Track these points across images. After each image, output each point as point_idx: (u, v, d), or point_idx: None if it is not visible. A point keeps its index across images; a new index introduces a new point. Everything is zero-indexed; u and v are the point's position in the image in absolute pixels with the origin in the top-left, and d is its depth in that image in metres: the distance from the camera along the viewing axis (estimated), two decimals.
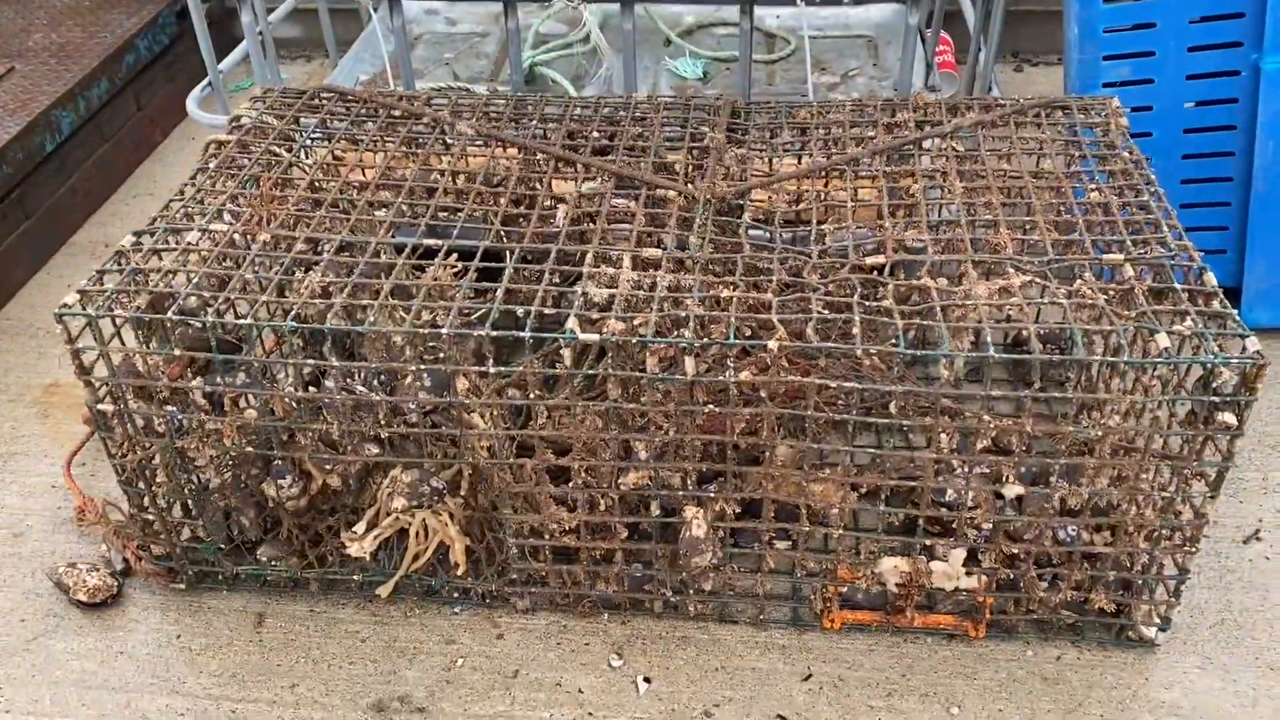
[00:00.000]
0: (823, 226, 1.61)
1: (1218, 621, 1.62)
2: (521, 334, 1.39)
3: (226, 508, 1.66)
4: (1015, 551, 1.49)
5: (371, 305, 1.44)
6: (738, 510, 1.52)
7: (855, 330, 1.37)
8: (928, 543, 1.50)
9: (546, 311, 1.43)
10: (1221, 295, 1.38)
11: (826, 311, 1.41)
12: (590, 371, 1.42)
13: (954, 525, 1.48)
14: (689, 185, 1.66)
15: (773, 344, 1.36)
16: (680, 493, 1.51)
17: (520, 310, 1.42)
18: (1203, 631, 1.60)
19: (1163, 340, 1.31)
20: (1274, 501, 1.80)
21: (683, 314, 1.41)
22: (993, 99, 1.85)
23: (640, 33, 3.05)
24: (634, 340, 1.38)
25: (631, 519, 1.55)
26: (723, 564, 1.57)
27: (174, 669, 1.61)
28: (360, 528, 1.62)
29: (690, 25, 3.06)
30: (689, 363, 1.38)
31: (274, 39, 3.50)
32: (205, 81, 2.35)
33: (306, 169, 1.78)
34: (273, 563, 1.69)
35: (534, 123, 1.85)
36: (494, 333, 1.40)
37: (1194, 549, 1.46)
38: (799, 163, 1.77)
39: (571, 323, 1.40)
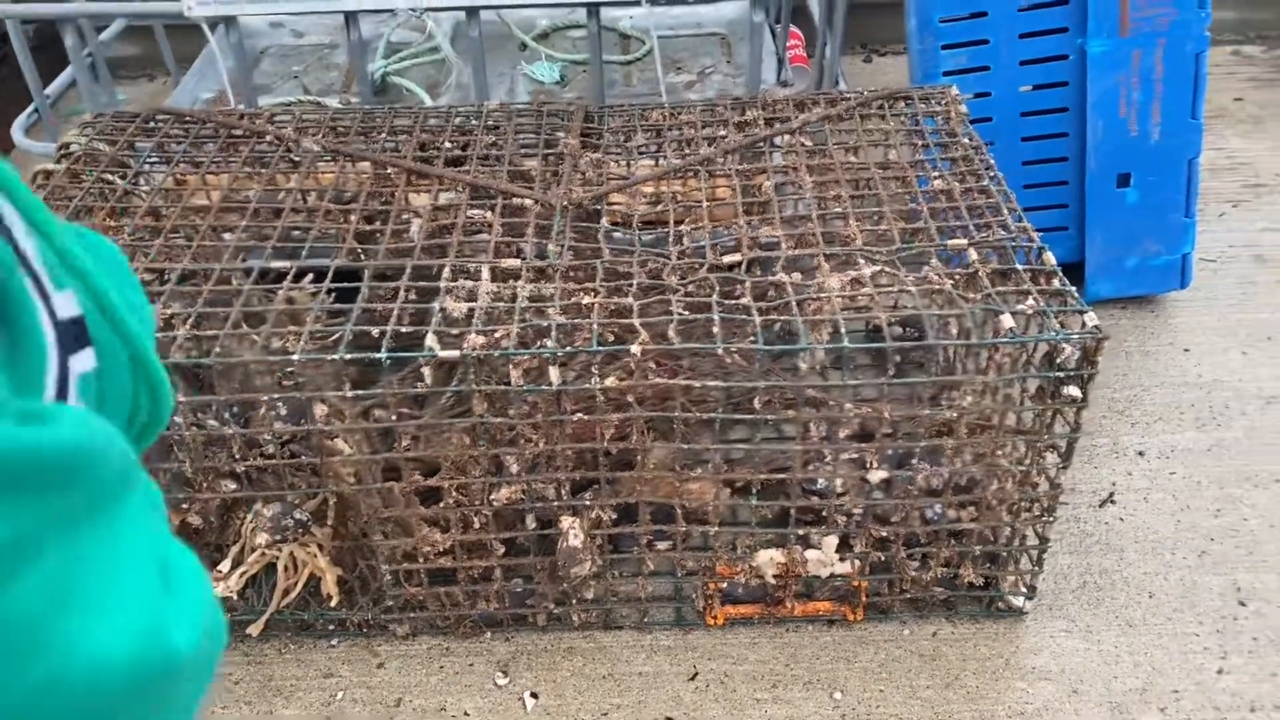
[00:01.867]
0: (680, 228, 1.61)
1: (1080, 585, 1.69)
2: (378, 355, 1.36)
3: None
4: (884, 534, 1.52)
5: (219, 335, 1.38)
6: (614, 516, 1.52)
7: (716, 329, 1.37)
8: (800, 532, 1.52)
9: (404, 330, 1.40)
10: (1060, 273, 1.44)
11: (687, 312, 1.41)
12: (454, 389, 1.39)
13: (824, 513, 1.50)
14: (545, 193, 1.65)
15: (636, 348, 1.36)
16: (555, 504, 1.50)
17: (376, 331, 1.38)
18: (1067, 596, 1.67)
19: (1007, 321, 1.36)
20: (1124, 465, 1.89)
21: (545, 323, 1.39)
22: (838, 93, 1.89)
23: (494, 38, 3.02)
24: (496, 354, 1.36)
25: (508, 534, 1.52)
26: (603, 571, 1.56)
27: None
28: (225, 566, 1.56)
29: (545, 29, 3.04)
30: (554, 372, 1.37)
31: (110, 59, 3.34)
32: (31, 108, 2.22)
33: (144, 196, 1.70)
34: None
35: (384, 135, 1.81)
36: (349, 356, 1.36)
37: (1052, 518, 1.52)
38: (655, 164, 1.77)
39: (430, 340, 1.37)
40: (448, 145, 1.78)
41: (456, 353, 1.36)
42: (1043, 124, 2.11)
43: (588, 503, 1.50)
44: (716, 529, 1.52)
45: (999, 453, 1.45)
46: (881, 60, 3.37)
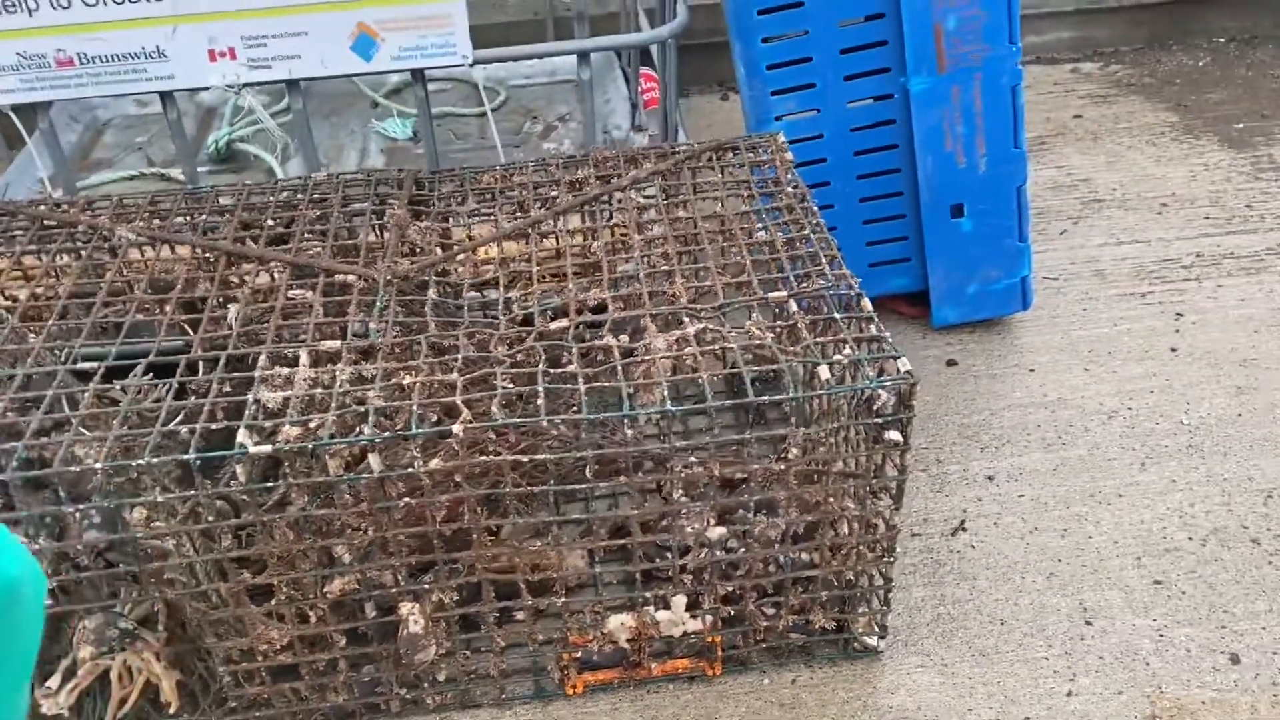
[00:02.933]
0: (510, 294, 1.60)
1: (934, 618, 1.71)
2: (184, 457, 1.31)
3: None
4: (730, 588, 1.52)
5: (13, 448, 1.31)
6: (457, 597, 1.49)
7: (540, 401, 1.36)
8: (648, 595, 1.51)
9: (214, 427, 1.35)
10: (876, 319, 1.46)
11: (512, 385, 1.40)
12: (268, 485, 1.34)
13: (669, 573, 1.50)
14: (369, 267, 1.62)
15: (457, 428, 1.33)
16: (394, 590, 1.46)
17: (185, 429, 1.34)
18: (921, 630, 1.69)
19: (824, 372, 1.37)
20: (975, 490, 1.93)
21: (363, 409, 1.36)
22: (668, 147, 1.90)
23: (346, 96, 2.99)
24: (311, 445, 1.32)
25: (348, 625, 1.48)
26: (453, 651, 1.53)
27: None
28: (54, 682, 1.48)
29: (396, 84, 3.01)
30: (374, 459, 1.34)
31: None
32: None
33: None
34: None
35: (205, 217, 1.76)
36: (154, 460, 1.30)
37: (892, 558, 1.53)
38: (487, 230, 1.76)
39: (242, 435, 1.33)
40: (270, 223, 1.74)
41: (268, 448, 1.32)
42: (876, 161, 2.15)
43: (427, 586, 1.46)
44: (564, 599, 1.50)
45: (831, 499, 1.46)
46: (737, 98, 3.41)
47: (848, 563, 1.54)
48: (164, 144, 2.89)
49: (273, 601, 1.43)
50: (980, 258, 2.20)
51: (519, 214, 1.76)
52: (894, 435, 1.39)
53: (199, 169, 2.72)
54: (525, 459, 1.35)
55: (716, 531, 1.46)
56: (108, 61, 1.77)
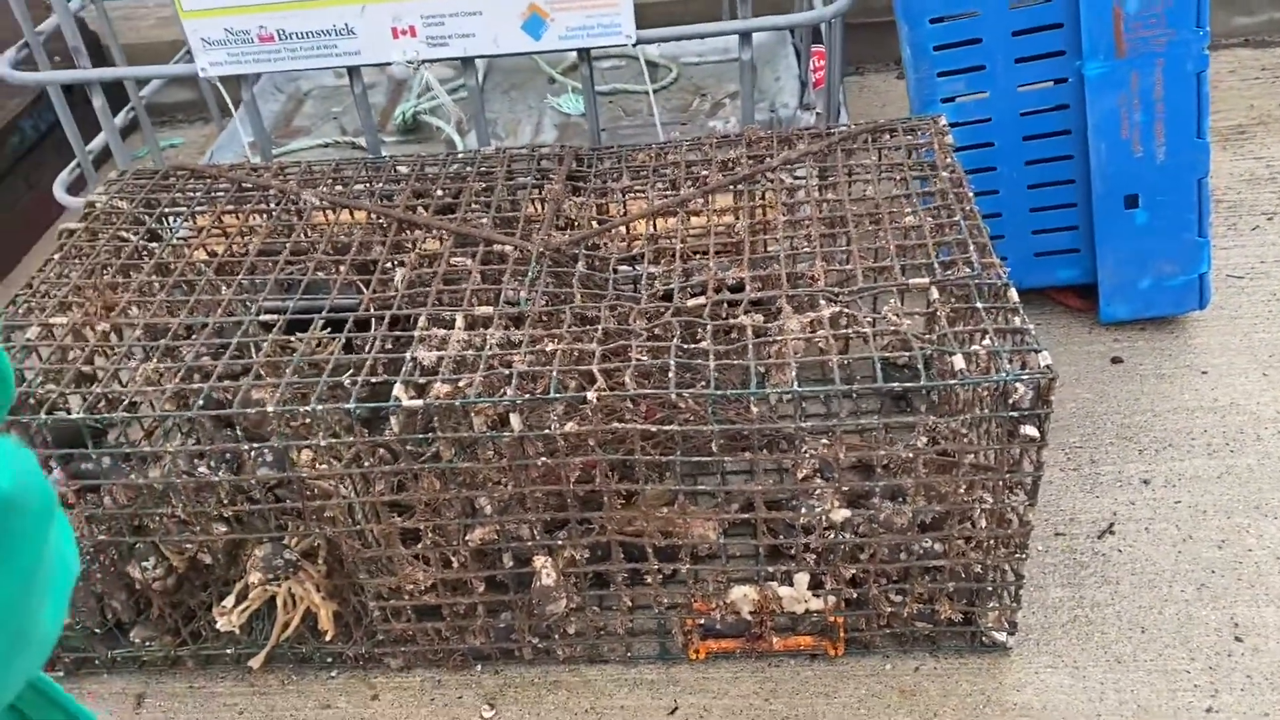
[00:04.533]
0: (653, 269, 1.65)
1: (1070, 619, 1.66)
2: (347, 406, 1.42)
3: (96, 593, 1.68)
4: (855, 571, 1.53)
5: (201, 389, 1.47)
6: (587, 555, 1.56)
7: (670, 374, 1.41)
8: (771, 570, 1.54)
9: (375, 381, 1.46)
10: (1021, 311, 1.43)
11: (646, 359, 1.45)
12: (418, 436, 1.45)
13: (792, 551, 1.52)
14: (525, 239, 1.70)
15: (591, 395, 1.40)
16: (529, 543, 1.55)
17: (348, 380, 1.45)
18: (1055, 630, 1.65)
19: (958, 362, 1.36)
20: (1128, 494, 1.86)
21: (508, 371, 1.44)
22: (823, 129, 1.90)
23: (524, 72, 3.10)
24: (459, 402, 1.41)
25: (487, 573, 1.58)
26: (583, 607, 1.60)
27: None
28: (229, 602, 1.64)
29: (574, 61, 3.10)
30: (515, 419, 1.42)
31: (167, 104, 3.51)
32: (73, 164, 2.37)
33: (153, 252, 1.81)
34: (147, 643, 1.71)
35: (381, 184, 1.88)
36: (319, 407, 1.43)
37: (1024, 554, 1.51)
38: (638, 206, 1.81)
39: (398, 389, 1.43)
40: (440, 193, 1.85)
41: (420, 402, 1.42)
42: (1046, 147, 2.08)
43: (560, 542, 1.54)
44: (690, 566, 1.55)
45: (962, 490, 1.45)
46: (874, 78, 3.34)
47: (978, 556, 1.52)
48: (356, 114, 3.09)
49: (419, 545, 1.55)
50: (1154, 251, 2.10)
51: (670, 191, 1.81)
52: (1030, 430, 1.36)
53: (388, 139, 2.91)
54: (656, 429, 1.40)
55: (842, 514, 1.47)
56: (303, 38, 1.92)
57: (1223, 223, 2.43)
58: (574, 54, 3.09)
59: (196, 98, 3.56)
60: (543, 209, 1.79)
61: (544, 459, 1.45)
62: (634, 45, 1.91)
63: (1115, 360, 2.14)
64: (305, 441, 1.45)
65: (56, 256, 1.74)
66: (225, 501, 1.52)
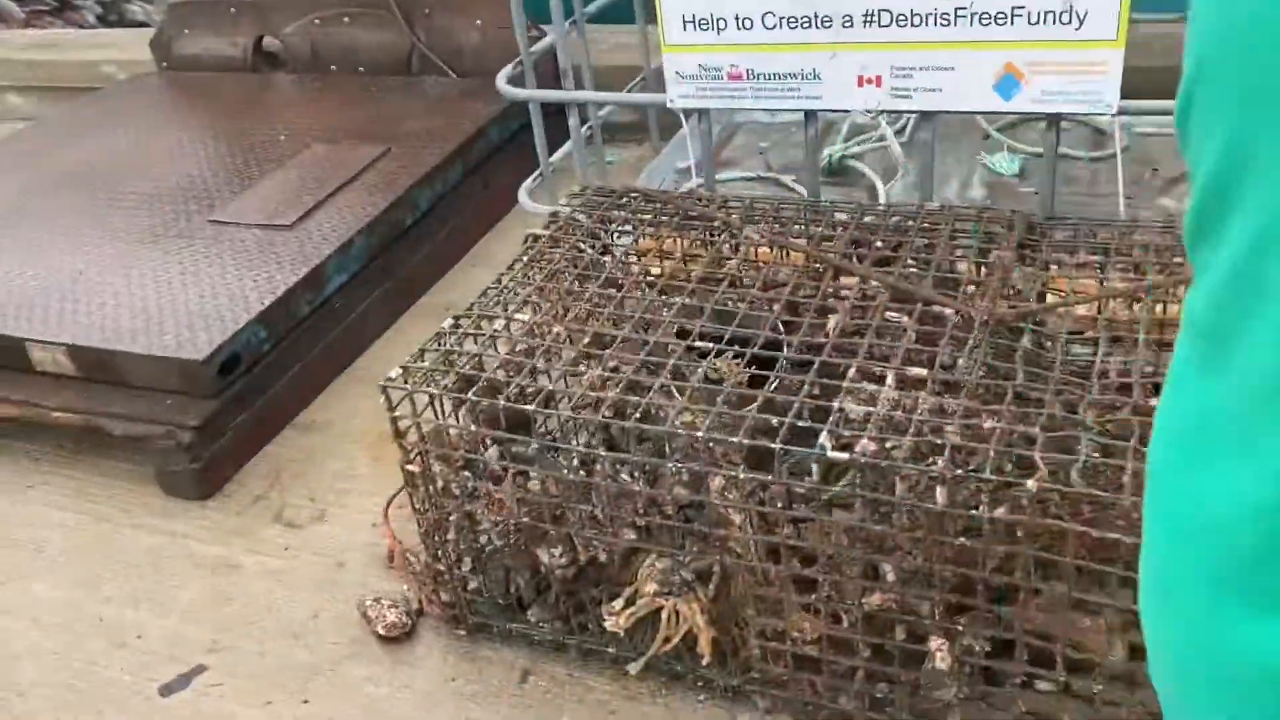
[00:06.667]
0: (1110, 359, 1.53)
1: None
2: (772, 445, 1.44)
3: (506, 567, 1.83)
4: None
5: (639, 402, 1.54)
6: (988, 647, 1.47)
7: (1126, 479, 1.29)
8: None
9: (800, 424, 1.47)
10: None
11: (1097, 455, 1.34)
12: (834, 489, 1.43)
13: None
14: (967, 304, 1.64)
15: (1031, 483, 1.31)
16: (926, 621, 1.48)
17: (775, 420, 1.47)
18: None
19: None
20: None
21: (940, 441, 1.39)
22: None
23: (958, 125, 3.02)
24: (884, 463, 1.38)
25: (875, 640, 1.53)
26: (969, 699, 1.51)
27: (445, 710, 1.79)
28: (618, 604, 1.72)
29: (1012, 120, 2.98)
30: (940, 492, 1.37)
31: (608, 124, 3.79)
32: (536, 173, 2.61)
33: (605, 265, 1.94)
34: (540, 623, 1.83)
35: (821, 229, 1.90)
36: (748, 442, 1.45)
37: None
38: (1095, 286, 1.69)
39: (823, 438, 1.43)
40: (879, 244, 1.83)
41: (845, 456, 1.40)
42: None
43: (960, 627, 1.46)
44: (1100, 687, 1.41)
45: None
46: None
47: None
48: (782, 151, 3.15)
49: (814, 596, 1.53)
50: None
51: (1133, 276, 1.67)
52: None
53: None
54: (1094, 533, 1.29)
55: None
56: (770, 79, 1.98)
57: None
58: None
59: (633, 119, 3.82)
60: (985, 274, 1.71)
61: (963, 539, 1.38)
62: (1115, 116, 1.79)
63: None
64: (720, 470, 1.48)
65: (525, 258, 1.92)
66: (641, 511, 1.59)
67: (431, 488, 1.75)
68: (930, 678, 1.47)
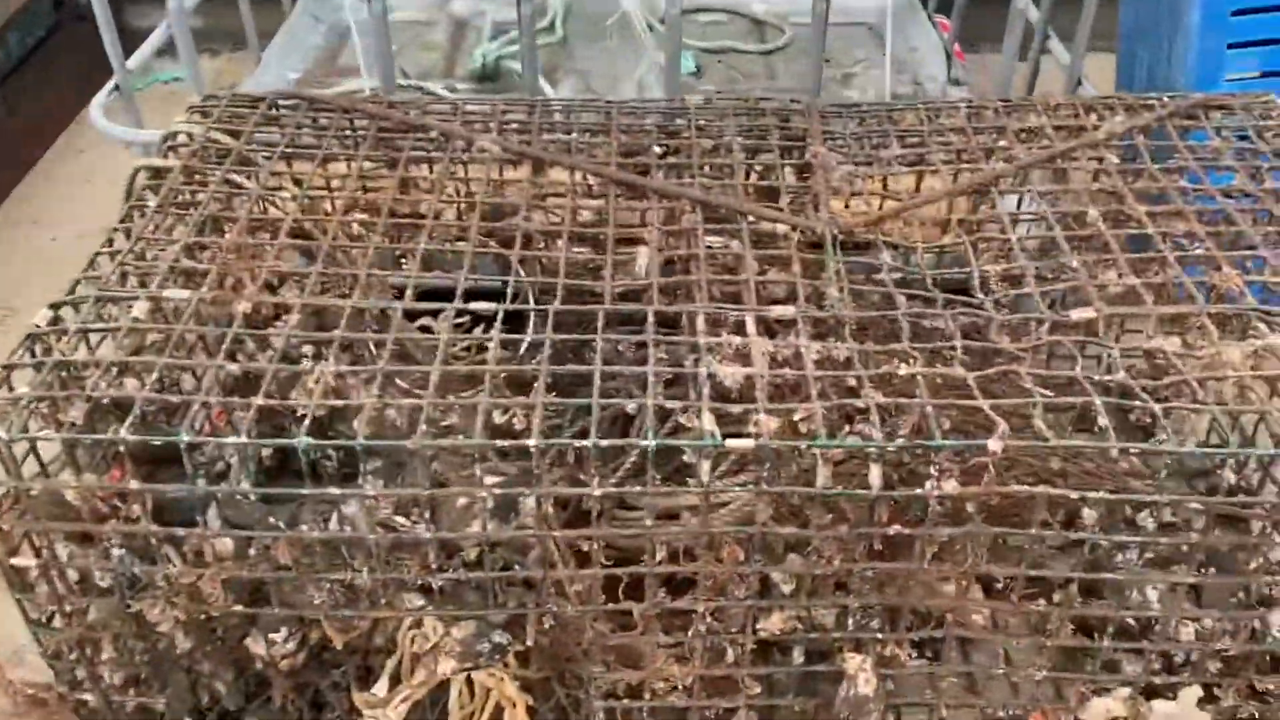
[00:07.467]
0: (985, 269, 1.25)
1: None
2: (641, 443, 0.99)
3: (194, 674, 1.21)
4: (1269, 686, 1.16)
5: (398, 405, 1.01)
6: (912, 653, 1.15)
7: (1101, 420, 1.00)
8: (1157, 681, 1.16)
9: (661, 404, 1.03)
10: None
11: (1050, 393, 1.04)
12: (737, 487, 1.02)
13: (1191, 659, 1.14)
14: (805, 217, 1.28)
15: (995, 443, 0.99)
16: (834, 634, 1.13)
17: (633, 405, 1.02)
18: None
19: None
20: None
21: (860, 402, 1.02)
22: (1134, 99, 1.52)
23: (621, 26, 2.65)
24: (804, 445, 0.99)
25: (764, 670, 1.16)
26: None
27: None
28: (381, 687, 1.19)
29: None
30: (874, 472, 1.00)
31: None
32: (111, 84, 1.84)
33: (279, 205, 1.33)
34: None
35: (575, 135, 1.44)
36: (603, 443, 0.99)
37: None
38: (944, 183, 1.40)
39: (707, 421, 1.00)
40: (656, 150, 1.41)
41: (750, 442, 0.99)
42: None
43: (880, 636, 1.13)
44: (1042, 675, 1.15)
45: None
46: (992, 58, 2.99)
47: None
48: (415, 55, 2.61)
49: (689, 632, 1.12)
50: None
51: (962, 166, 1.40)
52: None
53: (460, 84, 2.45)
54: (1073, 494, 1.00)
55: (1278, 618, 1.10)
56: None
57: None
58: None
59: (200, 25, 3.02)
60: (807, 177, 1.36)
61: (899, 528, 1.04)
62: None
63: None
64: (557, 489, 1.01)
65: (152, 204, 1.25)
66: (433, 565, 1.06)
67: (60, 585, 1.08)
68: (852, 706, 1.12)
